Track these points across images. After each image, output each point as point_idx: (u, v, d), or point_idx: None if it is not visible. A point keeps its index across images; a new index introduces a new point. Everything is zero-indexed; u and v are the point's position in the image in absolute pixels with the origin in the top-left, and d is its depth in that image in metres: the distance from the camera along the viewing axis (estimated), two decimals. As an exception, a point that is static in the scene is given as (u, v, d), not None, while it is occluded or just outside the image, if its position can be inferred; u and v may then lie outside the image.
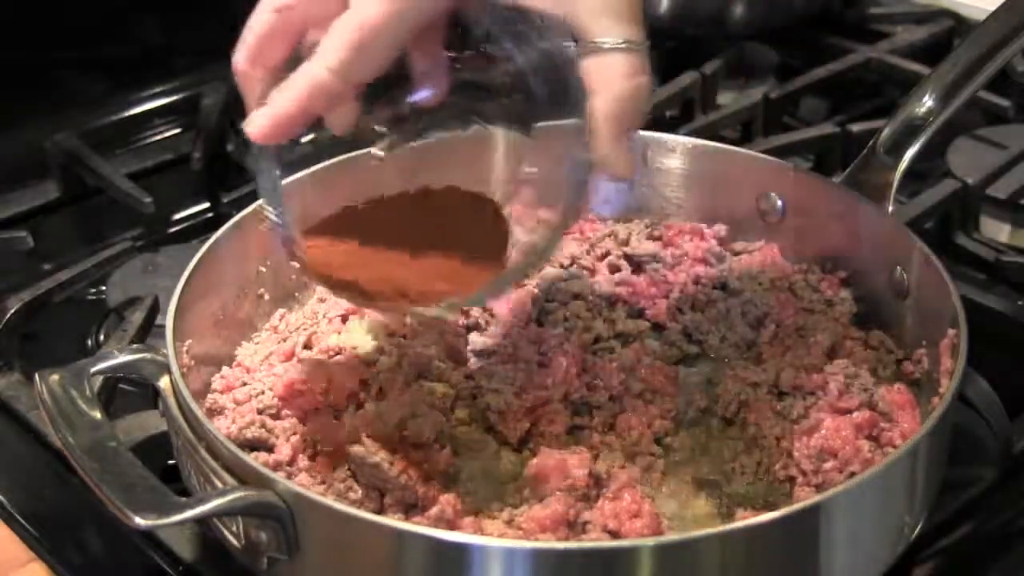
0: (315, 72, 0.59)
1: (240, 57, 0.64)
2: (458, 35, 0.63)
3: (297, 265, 0.66)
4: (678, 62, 1.15)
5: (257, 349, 0.76)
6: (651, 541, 0.58)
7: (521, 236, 0.66)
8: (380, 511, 0.64)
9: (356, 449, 0.64)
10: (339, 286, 0.66)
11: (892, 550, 0.63)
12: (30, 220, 1.02)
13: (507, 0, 0.61)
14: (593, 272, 0.82)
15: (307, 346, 0.75)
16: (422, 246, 0.66)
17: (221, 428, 0.67)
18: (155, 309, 0.82)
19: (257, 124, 0.62)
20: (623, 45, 0.60)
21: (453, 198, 0.69)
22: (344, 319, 0.77)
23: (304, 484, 0.64)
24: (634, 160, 0.62)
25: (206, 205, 1.05)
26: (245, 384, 0.72)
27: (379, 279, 0.65)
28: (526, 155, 0.68)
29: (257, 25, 0.62)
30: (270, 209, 0.65)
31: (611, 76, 0.60)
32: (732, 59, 1.20)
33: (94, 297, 0.91)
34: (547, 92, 0.63)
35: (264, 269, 0.79)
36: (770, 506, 0.66)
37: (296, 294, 0.82)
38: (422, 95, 0.67)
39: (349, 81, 0.60)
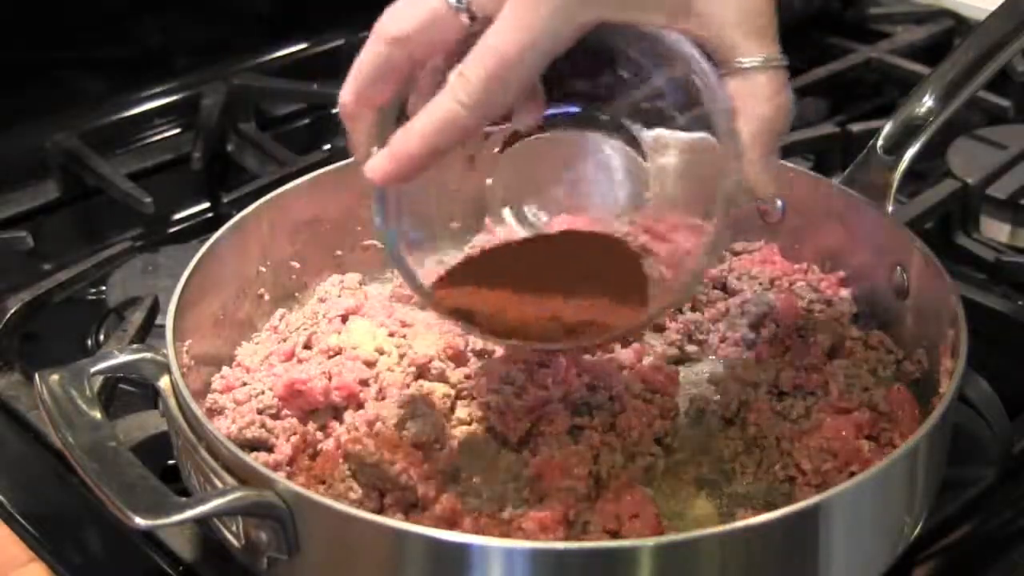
0: (447, 107, 0.57)
1: (347, 93, 0.61)
2: (584, 60, 0.61)
3: (435, 313, 0.66)
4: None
5: (257, 349, 0.76)
6: (651, 541, 0.58)
7: (661, 253, 0.66)
8: (380, 511, 0.64)
9: (356, 449, 0.64)
10: (495, 330, 0.65)
11: (892, 550, 0.63)
12: (30, 220, 1.02)
13: (639, 20, 0.59)
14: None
15: (307, 346, 0.75)
16: (560, 285, 0.65)
17: (221, 428, 0.67)
18: (155, 309, 0.82)
19: (379, 166, 0.59)
20: (764, 64, 0.60)
21: (574, 239, 0.69)
22: (344, 319, 0.77)
23: (304, 484, 0.64)
24: (778, 178, 0.62)
25: (206, 205, 1.05)
26: (245, 384, 0.72)
27: (537, 318, 0.64)
28: (645, 178, 0.68)
29: (367, 59, 0.60)
30: (395, 258, 0.64)
31: (756, 97, 0.60)
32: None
33: (94, 297, 0.91)
34: (683, 115, 0.63)
35: (264, 269, 0.79)
36: (770, 506, 0.66)
37: (296, 294, 0.82)
38: (518, 124, 0.66)
39: (483, 116, 0.58)
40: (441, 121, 0.57)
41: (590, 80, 0.65)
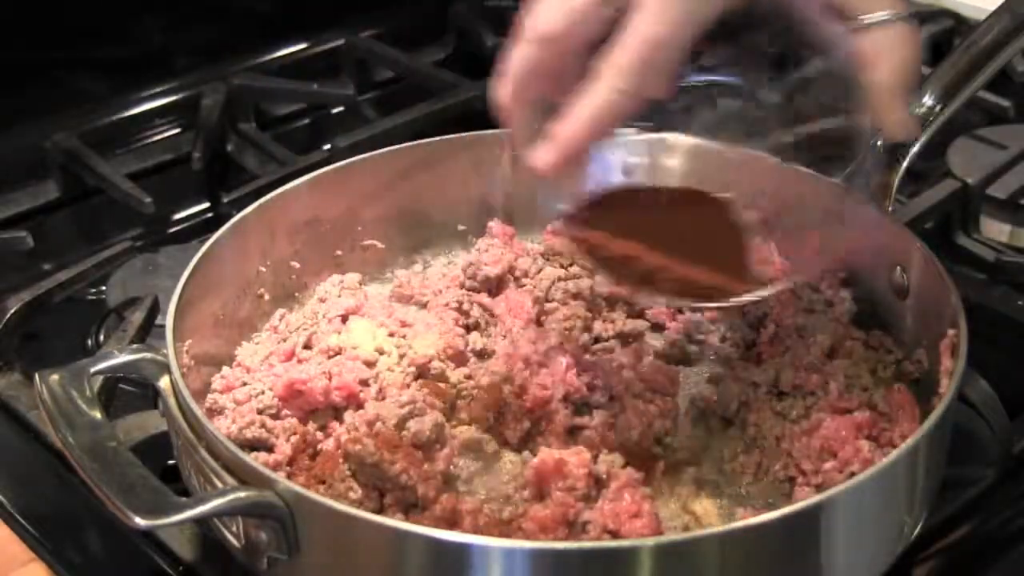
0: (604, 95, 0.60)
1: (504, 93, 0.63)
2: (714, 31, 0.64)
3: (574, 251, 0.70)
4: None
5: (257, 349, 0.76)
6: (651, 541, 0.58)
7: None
8: (380, 511, 0.64)
9: (356, 449, 0.64)
10: (620, 277, 0.68)
11: (892, 550, 0.63)
12: (30, 220, 1.02)
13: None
14: (593, 272, 0.82)
15: (307, 346, 0.75)
16: (685, 243, 0.68)
17: (221, 428, 0.67)
18: (155, 309, 0.82)
19: (546, 159, 0.62)
20: (891, 18, 0.64)
21: (696, 197, 0.71)
22: (344, 319, 0.77)
23: (304, 484, 0.64)
24: (914, 121, 0.67)
25: (206, 205, 1.05)
26: (245, 384, 0.72)
27: (664, 274, 0.67)
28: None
29: (521, 59, 0.62)
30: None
31: (887, 50, 0.64)
32: (732, 59, 1.20)
33: (94, 297, 0.91)
34: (815, 69, 0.67)
35: (264, 269, 0.79)
36: (770, 506, 0.66)
37: (296, 294, 0.82)
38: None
39: (639, 99, 0.60)
40: (602, 109, 0.60)
41: (720, 49, 0.67)
